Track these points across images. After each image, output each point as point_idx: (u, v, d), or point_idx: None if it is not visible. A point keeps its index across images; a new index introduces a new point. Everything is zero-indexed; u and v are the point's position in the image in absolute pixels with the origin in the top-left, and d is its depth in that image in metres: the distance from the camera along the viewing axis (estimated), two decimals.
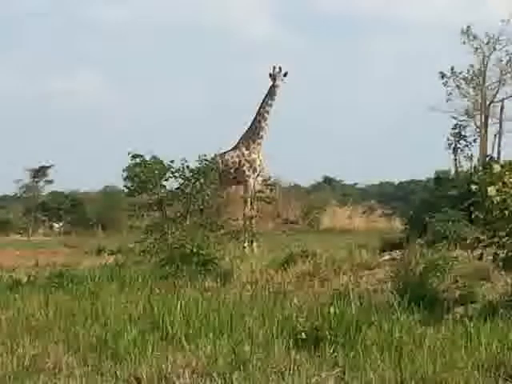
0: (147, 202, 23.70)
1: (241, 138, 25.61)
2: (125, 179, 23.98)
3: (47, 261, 20.18)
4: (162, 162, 23.76)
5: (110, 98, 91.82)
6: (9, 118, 72.60)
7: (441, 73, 29.51)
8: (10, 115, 73.02)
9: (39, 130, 74.43)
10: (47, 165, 47.18)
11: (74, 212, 38.85)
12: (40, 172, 47.03)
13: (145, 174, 23.28)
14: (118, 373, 8.59)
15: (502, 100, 28.85)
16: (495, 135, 27.82)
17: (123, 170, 23.71)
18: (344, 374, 8.43)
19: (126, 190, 24.58)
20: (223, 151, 25.72)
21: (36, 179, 47.48)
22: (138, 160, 23.80)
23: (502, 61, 29.19)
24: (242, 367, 8.55)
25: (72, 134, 69.42)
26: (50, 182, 47.67)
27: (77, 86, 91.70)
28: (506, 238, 12.22)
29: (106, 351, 9.55)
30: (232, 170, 25.19)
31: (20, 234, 41.22)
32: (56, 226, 38.39)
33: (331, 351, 9.22)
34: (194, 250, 16.33)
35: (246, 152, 25.14)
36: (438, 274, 13.53)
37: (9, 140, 68.52)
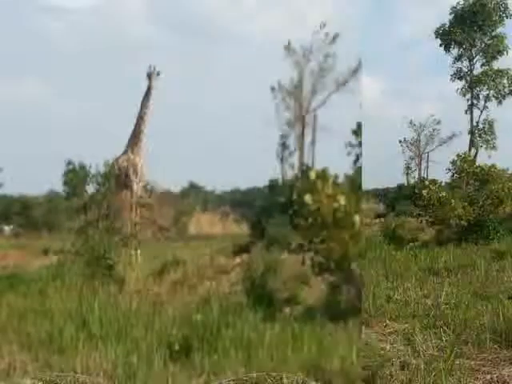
0: (76, 206, 24.14)
1: (128, 142, 25.57)
2: (63, 184, 25.06)
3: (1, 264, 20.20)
4: (84, 168, 24.65)
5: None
6: None
7: (271, 86, 32.27)
8: None
9: None
10: None
11: (22, 215, 40.11)
12: None
13: (75, 179, 24.32)
14: (63, 366, 9.30)
15: (315, 109, 29.96)
16: (310, 143, 30.69)
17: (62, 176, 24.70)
18: (209, 378, 9.05)
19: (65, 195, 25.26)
20: (118, 156, 25.74)
21: None
22: (70, 166, 24.91)
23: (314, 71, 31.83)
24: (131, 379, 9.11)
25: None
26: (0, 185, 48.11)
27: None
28: (320, 244, 12.90)
29: (53, 346, 10.30)
30: (123, 175, 25.10)
31: None
32: (6, 228, 39.40)
33: (199, 358, 9.77)
34: (105, 255, 17.56)
35: (132, 156, 25.16)
36: (272, 276, 14.41)
37: None
